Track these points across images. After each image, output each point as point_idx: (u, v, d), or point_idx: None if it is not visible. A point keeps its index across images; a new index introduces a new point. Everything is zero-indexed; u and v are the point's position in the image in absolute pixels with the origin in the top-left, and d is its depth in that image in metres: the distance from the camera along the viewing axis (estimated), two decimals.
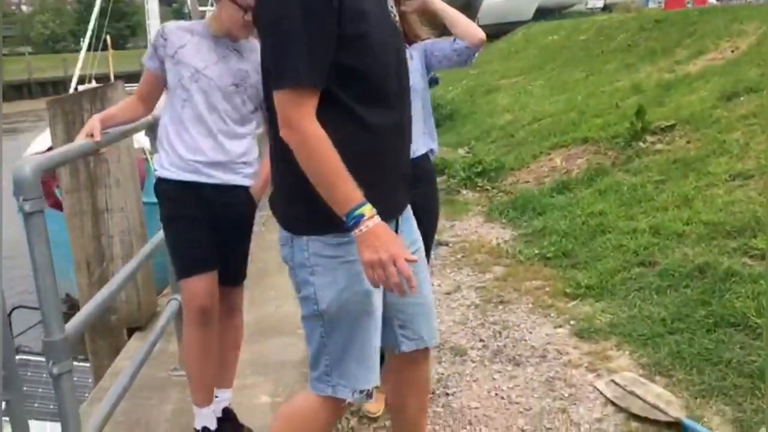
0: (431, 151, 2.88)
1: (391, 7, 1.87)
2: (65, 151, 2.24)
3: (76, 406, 2.08)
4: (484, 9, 36.22)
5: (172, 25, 2.48)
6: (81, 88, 13.02)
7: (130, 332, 4.00)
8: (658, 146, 6.29)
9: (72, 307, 8.97)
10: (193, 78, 2.39)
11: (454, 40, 2.74)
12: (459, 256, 5.35)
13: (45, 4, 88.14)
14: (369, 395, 1.92)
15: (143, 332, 3.93)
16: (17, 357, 2.24)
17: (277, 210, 1.93)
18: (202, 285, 2.48)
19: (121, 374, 2.61)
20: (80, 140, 2.39)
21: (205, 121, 2.41)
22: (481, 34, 2.71)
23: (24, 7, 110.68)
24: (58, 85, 48.82)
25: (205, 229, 2.49)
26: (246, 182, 2.53)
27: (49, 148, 7.62)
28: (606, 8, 37.47)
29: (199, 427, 2.63)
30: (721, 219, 4.46)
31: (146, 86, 2.54)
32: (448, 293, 4.61)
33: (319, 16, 1.60)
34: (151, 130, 2.91)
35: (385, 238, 1.65)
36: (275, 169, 1.88)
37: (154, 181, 2.58)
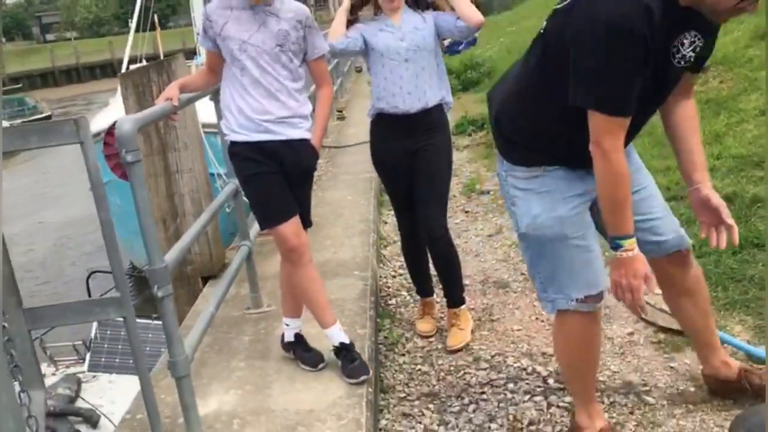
0: (445, 102, 3.27)
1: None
2: (151, 112, 2.62)
3: (176, 324, 2.50)
4: None
5: (213, 5, 2.81)
6: (132, 67, 13.54)
7: (204, 281, 4.44)
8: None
9: (138, 274, 9.56)
10: (242, 48, 2.72)
11: (458, 18, 3.11)
12: (500, 202, 5.65)
13: None
14: (597, 299, 2.29)
15: (216, 280, 4.36)
16: None
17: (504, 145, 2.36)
18: (291, 229, 2.82)
19: (203, 312, 3.00)
20: (161, 103, 2.78)
21: (262, 84, 2.74)
22: (479, 18, 3.16)
23: None
24: (106, 68, 50.07)
25: (282, 179, 2.83)
26: (308, 135, 2.86)
27: (114, 126, 8.13)
28: None
29: (292, 338, 3.09)
30: (750, 152, 4.66)
31: (210, 61, 2.90)
32: (491, 235, 4.94)
33: (641, 58, 1.91)
34: (215, 95, 3.30)
35: (633, 268, 2.06)
36: (512, 119, 2.30)
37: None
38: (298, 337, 3.13)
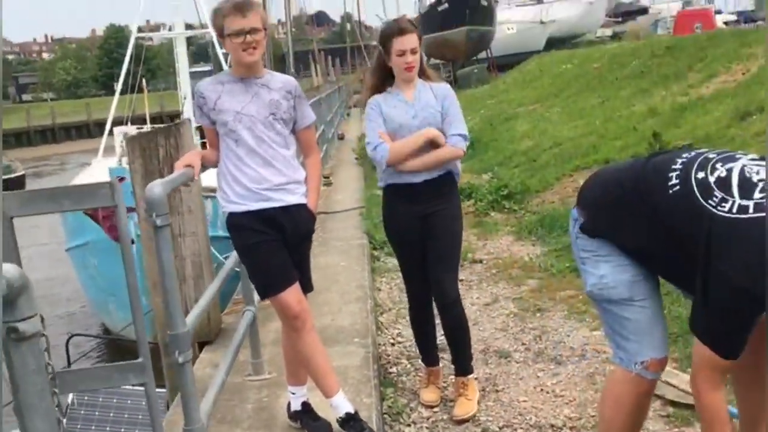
0: (455, 173, 3.46)
1: None
2: (176, 177, 2.64)
3: (196, 392, 2.45)
4: (497, 41, 36.97)
5: (204, 83, 2.90)
6: (116, 129, 13.59)
7: (200, 346, 4.37)
8: None
9: (112, 337, 9.35)
10: (237, 119, 2.78)
11: (448, 138, 3.32)
12: (494, 271, 5.71)
13: (67, 52, 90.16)
14: (660, 365, 2.35)
15: (213, 345, 4.29)
16: None
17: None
18: (293, 296, 2.82)
19: (213, 379, 2.94)
20: (180, 169, 2.79)
21: (258, 152, 2.79)
22: (458, 153, 3.35)
23: (45, 55, 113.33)
24: (82, 129, 50.05)
25: (282, 246, 2.84)
26: (304, 200, 2.91)
27: None
28: (615, 36, 38.06)
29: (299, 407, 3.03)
30: None
31: (210, 137, 2.95)
32: (488, 304, 4.96)
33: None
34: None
35: None
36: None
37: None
38: (306, 405, 3.08)
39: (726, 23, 31.34)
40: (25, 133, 50.45)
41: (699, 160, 2.15)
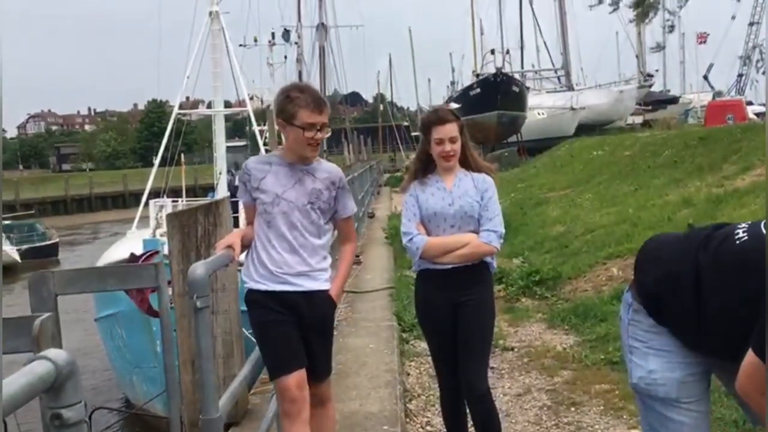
0: (489, 263, 3.40)
1: None
2: (218, 259, 2.67)
3: None
4: (528, 125, 37.55)
5: (253, 160, 2.97)
6: (152, 201, 13.88)
7: (227, 427, 4.29)
8: None
9: (133, 411, 9.26)
10: (275, 203, 2.83)
11: (481, 231, 3.29)
12: (526, 360, 5.58)
13: (108, 124, 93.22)
14: None
15: (239, 428, 4.22)
16: None
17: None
18: (294, 381, 2.79)
19: None
20: (221, 251, 2.82)
21: (287, 238, 2.82)
22: (491, 250, 3.30)
23: (87, 127, 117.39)
24: (117, 199, 51.24)
25: (294, 330, 2.83)
26: (326, 286, 2.91)
27: (132, 258, 8.17)
28: (646, 124, 38.38)
29: None
30: None
31: (249, 215, 2.99)
32: (519, 395, 4.83)
33: None
34: None
35: None
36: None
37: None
38: None
39: (757, 114, 31.44)
40: (63, 202, 51.74)
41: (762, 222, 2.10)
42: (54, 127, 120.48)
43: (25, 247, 30.41)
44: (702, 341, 2.15)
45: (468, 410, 3.47)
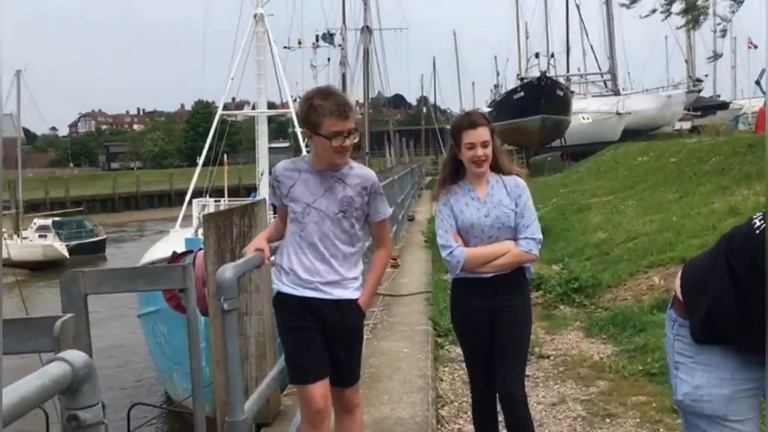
0: (526, 268, 3.35)
1: None
2: (247, 262, 2.69)
3: None
4: (572, 129, 37.04)
5: (281, 166, 2.91)
6: (195, 201, 14.11)
7: (258, 428, 4.32)
8: None
9: (172, 408, 9.42)
10: (305, 212, 2.79)
11: (520, 240, 3.24)
12: (561, 369, 5.49)
13: (156, 124, 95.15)
14: None
15: (270, 428, 4.24)
16: None
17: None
18: (318, 391, 2.76)
19: None
20: (251, 253, 2.84)
21: (318, 248, 2.79)
22: (530, 258, 3.25)
23: (136, 126, 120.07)
24: (163, 198, 52.29)
25: (320, 338, 2.81)
26: (355, 295, 2.88)
27: (174, 256, 8.30)
28: (694, 130, 37.51)
29: None
30: None
31: (281, 213, 2.99)
32: (554, 405, 4.75)
33: None
34: None
35: None
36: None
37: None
38: None
39: None
40: (111, 199, 53.05)
41: None
42: (104, 127, 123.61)
43: (73, 243, 31.25)
44: (759, 342, 2.03)
45: (503, 417, 3.41)
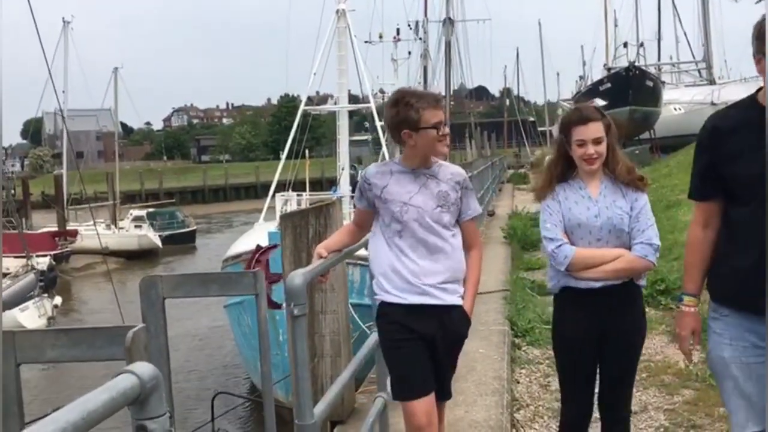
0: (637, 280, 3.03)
1: None
2: (318, 267, 2.72)
3: None
4: (662, 121, 35.70)
5: (372, 169, 2.88)
6: (278, 195, 14.43)
7: (333, 424, 4.39)
8: None
9: (258, 399, 9.70)
10: (403, 210, 2.74)
11: (634, 245, 2.91)
12: (644, 375, 5.30)
13: (244, 118, 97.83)
14: None
15: (344, 426, 4.30)
16: None
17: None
18: (423, 407, 2.72)
19: None
20: (317, 261, 2.81)
21: (426, 243, 2.74)
22: (647, 266, 2.94)
23: (225, 120, 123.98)
24: (250, 190, 53.88)
25: (426, 351, 2.75)
26: (460, 302, 2.80)
27: (258, 250, 8.52)
28: None
29: None
30: None
31: (360, 219, 2.96)
32: (635, 413, 4.58)
33: None
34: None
35: (683, 321, 2.70)
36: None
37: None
38: None
39: None
40: (201, 191, 55.04)
41: None
42: (195, 121, 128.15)
43: (166, 233, 32.60)
44: None
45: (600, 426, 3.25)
